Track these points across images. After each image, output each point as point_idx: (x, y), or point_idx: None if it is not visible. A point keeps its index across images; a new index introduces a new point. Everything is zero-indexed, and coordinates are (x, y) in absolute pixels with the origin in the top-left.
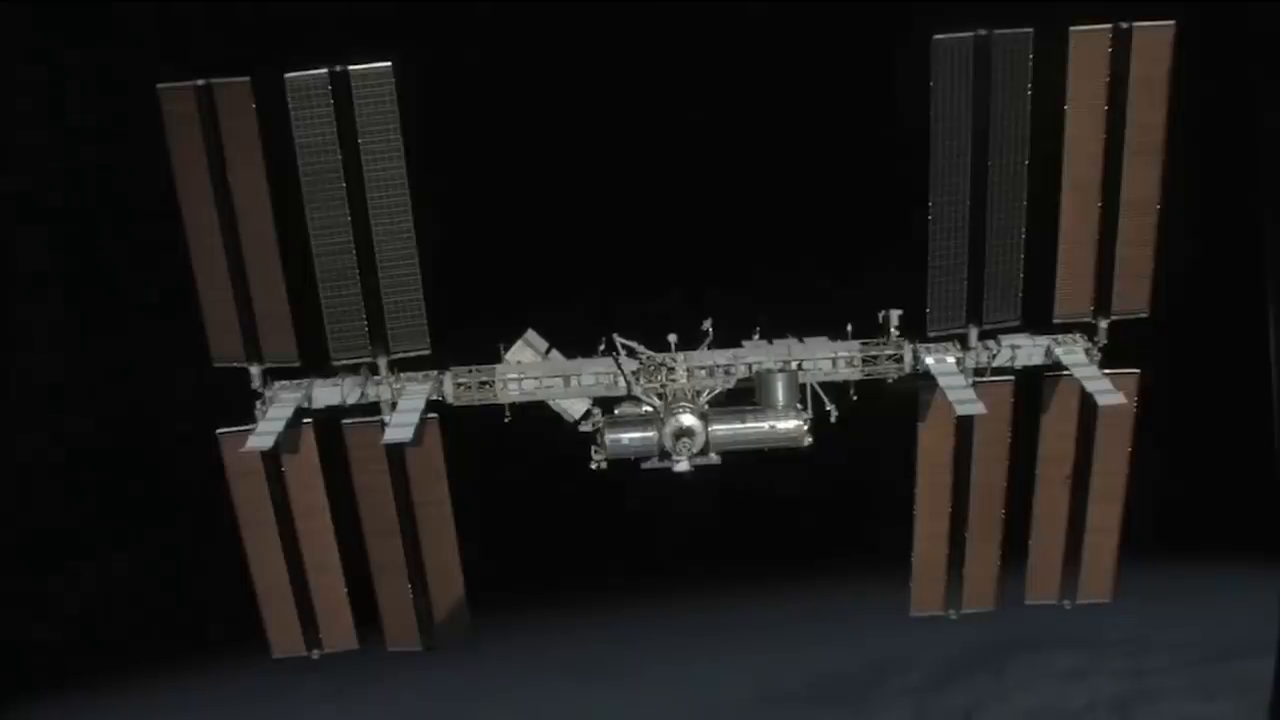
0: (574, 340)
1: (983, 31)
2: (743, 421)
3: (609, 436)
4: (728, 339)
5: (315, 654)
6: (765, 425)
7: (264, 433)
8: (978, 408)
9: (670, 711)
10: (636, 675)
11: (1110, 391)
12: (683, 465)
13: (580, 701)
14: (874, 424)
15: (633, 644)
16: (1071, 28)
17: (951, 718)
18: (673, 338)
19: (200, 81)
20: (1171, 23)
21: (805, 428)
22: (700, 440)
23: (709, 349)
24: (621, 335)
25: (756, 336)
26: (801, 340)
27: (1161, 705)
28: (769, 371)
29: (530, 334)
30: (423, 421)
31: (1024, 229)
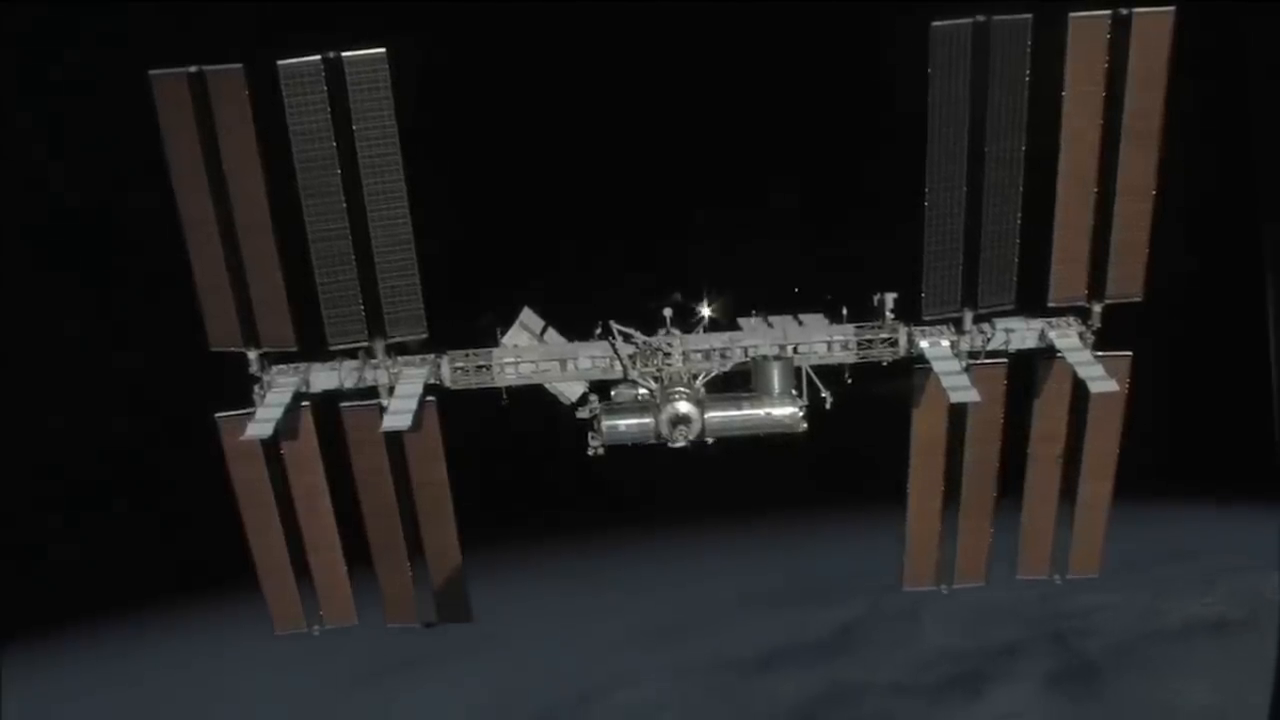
0: (569, 323)
1: (981, 18)
2: (739, 408)
3: (606, 424)
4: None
5: (316, 630)
6: (761, 412)
7: (263, 419)
8: (972, 395)
9: (666, 609)
10: (636, 585)
11: (1102, 378)
12: (680, 443)
13: (583, 603)
14: (868, 404)
15: (634, 562)
16: (1071, 14)
17: (901, 610)
18: (668, 312)
19: (193, 69)
20: (1171, 9)
21: (801, 414)
22: (696, 427)
23: (704, 331)
24: (617, 318)
25: (754, 316)
26: (798, 319)
27: (1078, 595)
28: (764, 358)
29: (526, 313)
30: (421, 406)
31: (1020, 214)
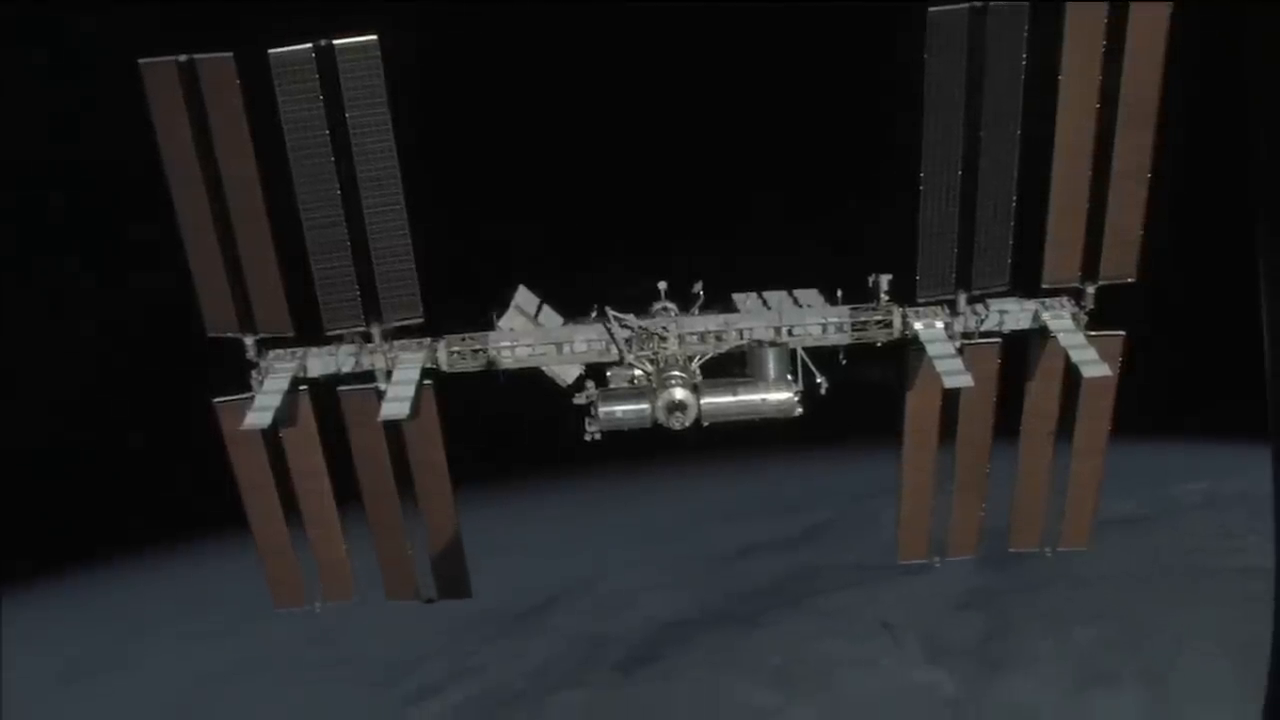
0: (565, 300)
1: (979, 4)
2: (734, 394)
3: (603, 409)
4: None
5: (316, 607)
6: (757, 398)
7: (261, 408)
8: (965, 380)
9: (659, 521)
10: (633, 504)
11: (1095, 362)
12: (676, 428)
13: (585, 518)
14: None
15: (632, 486)
16: (1069, 1)
17: (862, 518)
18: (663, 285)
19: (182, 57)
20: (1169, 2)
21: (796, 399)
22: (692, 413)
23: (700, 311)
24: (615, 295)
25: (749, 294)
26: (793, 295)
27: None
28: (760, 344)
29: (521, 292)
30: (418, 392)
31: (1015, 196)
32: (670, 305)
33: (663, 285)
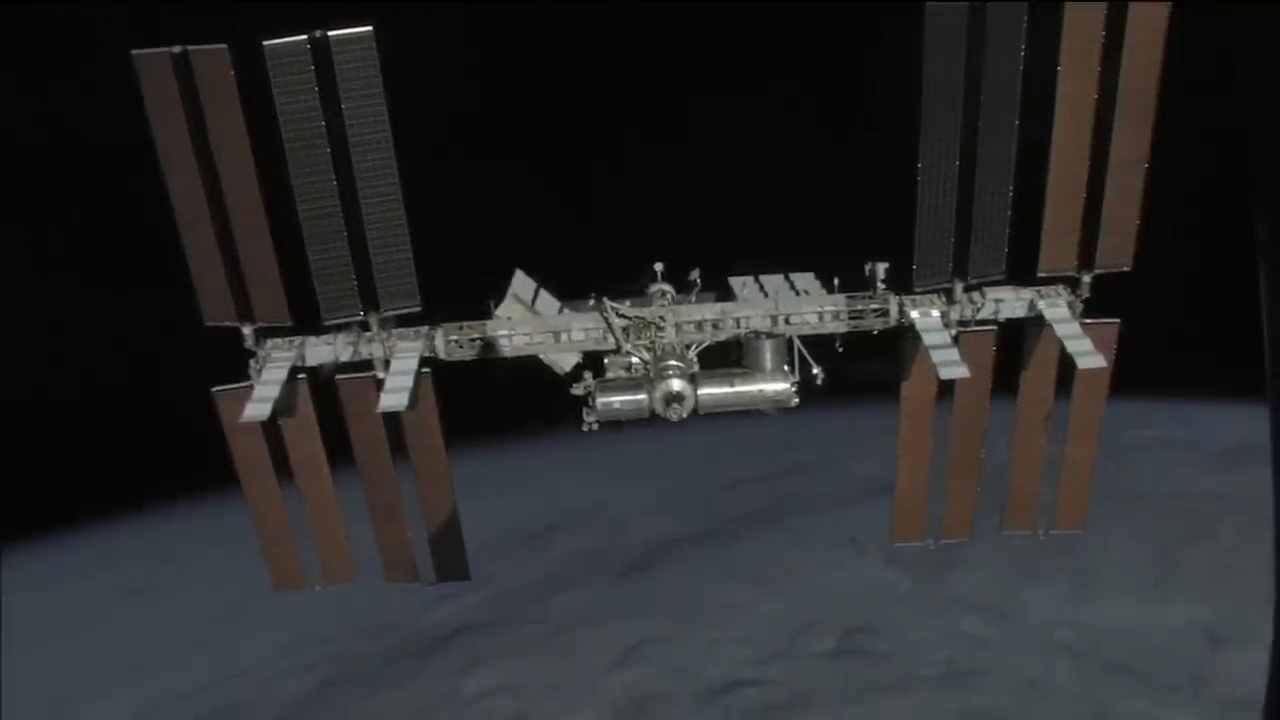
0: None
1: (976, 1)
2: (731, 386)
3: (600, 400)
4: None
5: (317, 588)
6: (754, 389)
7: (261, 399)
8: (961, 371)
9: (651, 461)
10: (631, 454)
11: (1090, 353)
12: (673, 420)
13: (583, 461)
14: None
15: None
16: (1067, 1)
17: (841, 457)
18: (659, 267)
19: (176, 49)
20: (1167, 3)
21: (793, 390)
22: (689, 404)
23: (697, 297)
24: (611, 291)
25: (745, 277)
26: (789, 280)
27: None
28: (757, 335)
29: (518, 278)
30: (417, 382)
31: (1012, 186)
32: (667, 287)
33: (659, 266)
